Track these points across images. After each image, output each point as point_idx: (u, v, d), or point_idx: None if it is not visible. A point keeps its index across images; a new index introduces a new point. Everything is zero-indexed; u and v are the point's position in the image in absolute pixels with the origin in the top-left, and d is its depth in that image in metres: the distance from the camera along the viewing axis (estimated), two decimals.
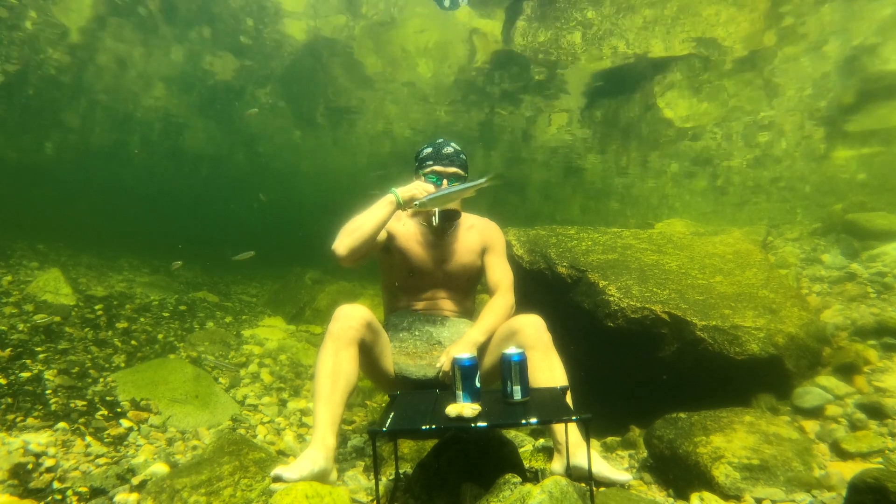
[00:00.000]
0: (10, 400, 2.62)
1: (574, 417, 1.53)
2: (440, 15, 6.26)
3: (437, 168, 2.29)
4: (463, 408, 1.53)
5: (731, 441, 2.01)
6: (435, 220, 2.32)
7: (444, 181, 2.27)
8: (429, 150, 2.36)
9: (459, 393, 1.64)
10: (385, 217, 2.12)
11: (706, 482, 1.90)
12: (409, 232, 2.38)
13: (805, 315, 2.85)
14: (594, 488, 1.71)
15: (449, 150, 2.34)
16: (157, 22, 6.75)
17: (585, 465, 1.69)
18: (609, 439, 2.61)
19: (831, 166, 10.39)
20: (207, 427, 2.88)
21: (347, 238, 2.08)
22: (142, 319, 4.56)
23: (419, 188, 2.16)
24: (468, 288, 2.48)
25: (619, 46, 6.30)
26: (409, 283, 2.39)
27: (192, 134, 11.92)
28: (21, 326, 3.66)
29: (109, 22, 6.75)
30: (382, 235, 2.27)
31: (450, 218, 2.34)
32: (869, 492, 1.42)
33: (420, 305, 2.39)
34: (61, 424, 2.48)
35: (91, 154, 14.23)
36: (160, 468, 2.17)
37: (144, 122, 10.98)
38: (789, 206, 12.79)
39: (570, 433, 1.82)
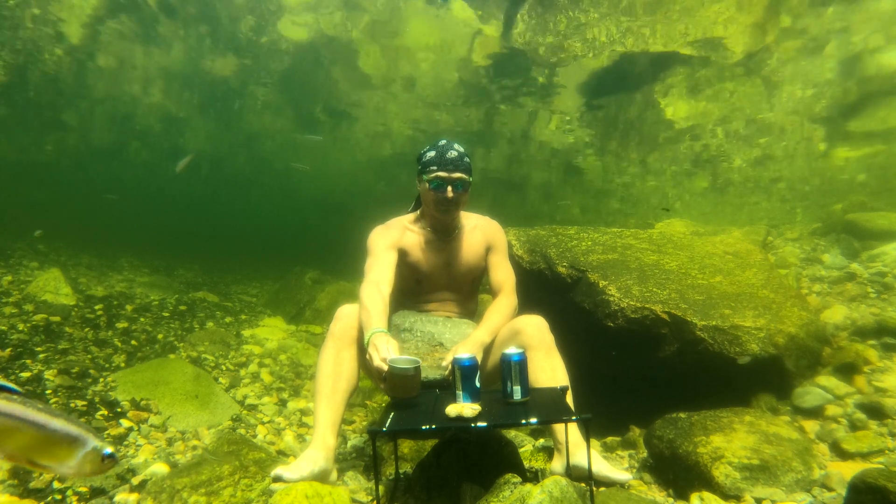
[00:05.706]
0: None
1: (574, 417, 1.53)
2: (440, 14, 6.26)
3: (442, 174, 2.17)
4: (463, 408, 1.53)
5: (731, 441, 2.01)
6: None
7: (449, 188, 2.18)
8: (432, 153, 2.24)
9: (459, 393, 1.64)
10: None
11: (706, 482, 1.90)
12: (415, 241, 2.34)
13: (805, 315, 2.85)
14: (594, 488, 1.71)
15: (453, 153, 2.20)
16: (156, 20, 6.75)
17: (585, 465, 1.69)
18: (609, 439, 2.61)
19: (831, 166, 10.39)
20: (207, 427, 2.88)
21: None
22: (142, 319, 4.56)
23: (376, 353, 1.71)
24: (472, 289, 2.46)
25: (618, 46, 6.30)
26: (415, 288, 2.38)
27: (192, 133, 11.92)
28: (21, 326, 3.66)
29: (109, 21, 6.76)
30: (395, 254, 2.26)
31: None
32: (869, 492, 1.42)
33: (423, 307, 2.38)
34: None
35: (91, 154, 14.23)
36: (160, 468, 2.17)
37: (144, 122, 10.99)
38: (789, 206, 12.80)
39: (570, 433, 1.82)
